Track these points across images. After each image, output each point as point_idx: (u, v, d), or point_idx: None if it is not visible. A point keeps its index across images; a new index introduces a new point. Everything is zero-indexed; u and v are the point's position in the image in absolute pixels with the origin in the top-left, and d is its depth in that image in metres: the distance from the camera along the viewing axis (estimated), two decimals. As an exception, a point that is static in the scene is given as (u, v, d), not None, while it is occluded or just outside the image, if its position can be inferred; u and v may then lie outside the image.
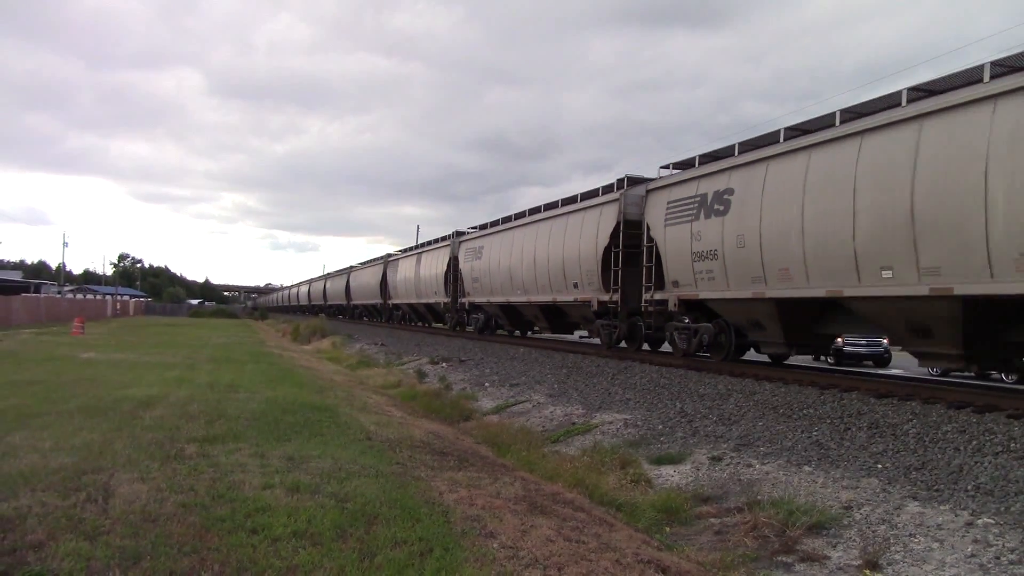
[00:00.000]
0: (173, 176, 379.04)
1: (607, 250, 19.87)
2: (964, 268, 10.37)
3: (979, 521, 6.85)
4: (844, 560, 6.74)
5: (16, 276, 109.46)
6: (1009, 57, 10.31)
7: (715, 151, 16.65)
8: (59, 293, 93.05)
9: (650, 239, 18.22)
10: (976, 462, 8.20)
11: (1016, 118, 9.68)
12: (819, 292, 12.94)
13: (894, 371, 19.13)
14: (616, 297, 19.73)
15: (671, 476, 10.01)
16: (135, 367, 17.82)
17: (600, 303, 20.53)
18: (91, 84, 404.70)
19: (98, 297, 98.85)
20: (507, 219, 28.93)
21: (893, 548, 6.71)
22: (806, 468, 9.15)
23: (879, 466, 8.72)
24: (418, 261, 40.83)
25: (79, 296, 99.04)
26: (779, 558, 6.95)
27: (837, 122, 12.89)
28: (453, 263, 34.28)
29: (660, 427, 12.25)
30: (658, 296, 17.99)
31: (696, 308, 17.07)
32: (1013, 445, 8.47)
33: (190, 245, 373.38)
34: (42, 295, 79.11)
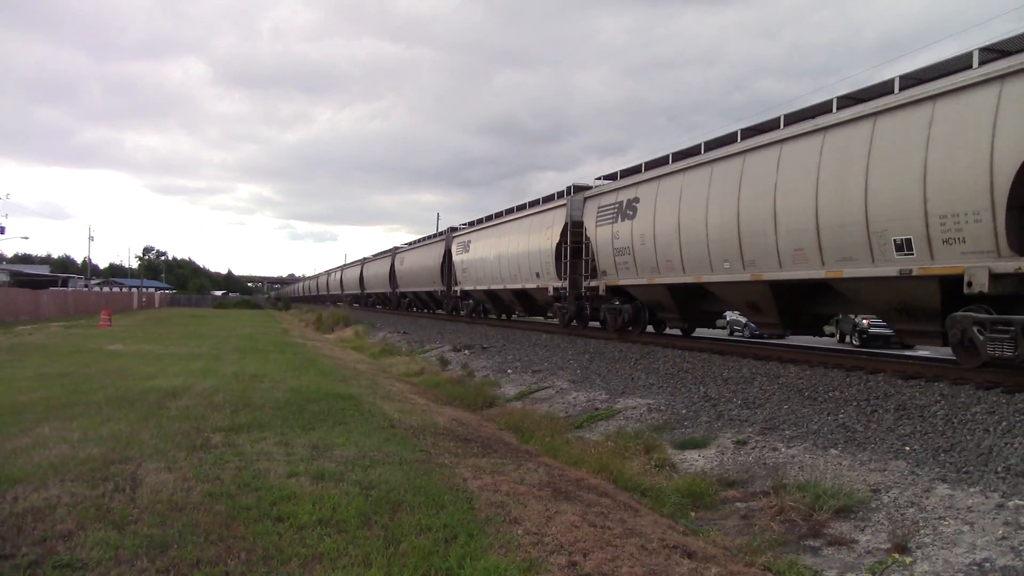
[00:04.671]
0: (188, 167, 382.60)
1: (558, 246, 23.90)
2: (767, 261, 14.53)
3: (1010, 503, 6.75)
4: (872, 544, 6.68)
5: (44, 270, 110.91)
6: (792, 112, 14.50)
7: (632, 167, 20.72)
8: (86, 286, 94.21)
9: (587, 238, 22.28)
10: (1006, 443, 8.08)
11: (791, 159, 13.95)
12: (690, 279, 17.27)
13: (921, 352, 18.88)
14: (565, 284, 23.92)
15: (696, 461, 9.96)
16: (161, 358, 18.00)
17: (555, 289, 24.74)
18: (97, 76, 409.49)
19: (124, 290, 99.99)
20: (489, 217, 33.47)
21: (922, 531, 6.63)
22: (832, 451, 9.07)
23: (907, 448, 8.62)
24: (419, 253, 46.19)
25: (106, 289, 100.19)
26: (806, 542, 6.89)
27: (702, 151, 17.24)
28: (448, 255, 38.53)
29: (684, 412, 12.20)
30: (592, 283, 21.99)
31: (620, 293, 21.15)
32: (1044, 426, 8.34)
33: (210, 237, 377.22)
34: (69, 289, 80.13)
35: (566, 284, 23.76)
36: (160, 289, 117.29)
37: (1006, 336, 10.28)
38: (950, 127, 10.84)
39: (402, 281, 50.74)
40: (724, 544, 6.66)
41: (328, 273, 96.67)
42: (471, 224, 36.72)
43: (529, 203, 28.59)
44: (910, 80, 11.87)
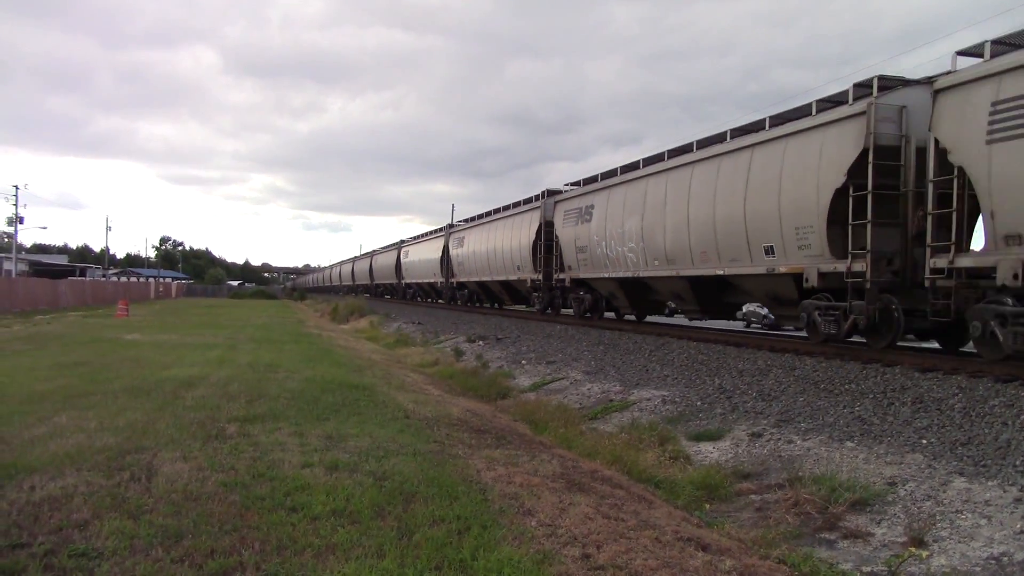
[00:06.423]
0: (201, 157, 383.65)
1: (534, 243, 27.76)
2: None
3: (1029, 497, 6.68)
4: (888, 537, 6.63)
5: (62, 260, 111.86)
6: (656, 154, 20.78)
7: (590, 177, 24.08)
8: (104, 276, 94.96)
9: (555, 236, 25.85)
10: (1025, 437, 7.99)
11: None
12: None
13: (936, 344, 18.68)
14: (540, 276, 27.66)
15: (710, 453, 9.93)
16: (177, 348, 18.11)
17: (532, 281, 28.46)
18: (108, 64, 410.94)
19: (141, 280, 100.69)
20: (481, 216, 37.20)
21: (939, 525, 6.58)
22: (848, 444, 9.00)
23: (924, 441, 8.55)
24: (422, 247, 50.57)
25: (123, 279, 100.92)
26: (822, 535, 6.86)
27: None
28: (446, 249, 42.40)
29: (699, 403, 12.15)
30: (560, 276, 25.69)
31: (582, 284, 24.76)
32: (1064, 419, 8.24)
33: (226, 227, 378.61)
34: (87, 279, 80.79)
35: (541, 276, 27.50)
36: (177, 279, 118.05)
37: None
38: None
39: (407, 273, 55.22)
40: (739, 536, 6.63)
41: (341, 264, 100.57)
42: (467, 221, 40.18)
43: (512, 204, 32.27)
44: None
